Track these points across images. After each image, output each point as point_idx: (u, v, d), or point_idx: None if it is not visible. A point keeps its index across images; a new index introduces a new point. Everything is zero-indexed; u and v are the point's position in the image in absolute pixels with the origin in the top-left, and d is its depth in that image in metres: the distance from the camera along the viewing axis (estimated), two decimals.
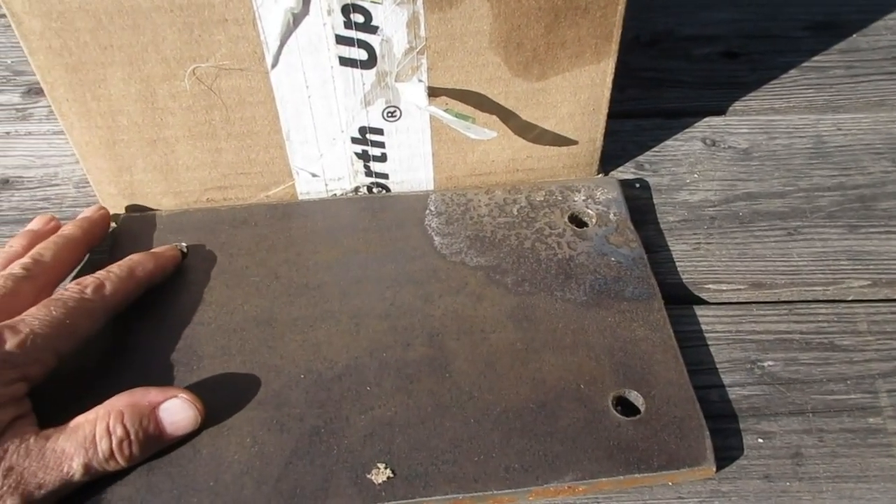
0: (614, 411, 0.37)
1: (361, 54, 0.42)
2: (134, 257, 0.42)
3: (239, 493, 0.35)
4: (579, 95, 0.46)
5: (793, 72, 0.60)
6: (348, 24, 0.40)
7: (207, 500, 0.34)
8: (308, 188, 0.48)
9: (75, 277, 0.44)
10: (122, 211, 0.48)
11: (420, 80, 0.43)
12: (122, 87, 0.42)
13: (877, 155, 0.52)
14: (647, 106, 0.58)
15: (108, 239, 0.47)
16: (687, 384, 0.38)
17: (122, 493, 0.34)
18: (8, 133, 0.57)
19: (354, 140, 0.46)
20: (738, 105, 0.58)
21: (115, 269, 0.40)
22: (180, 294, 0.43)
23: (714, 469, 0.35)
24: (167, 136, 0.44)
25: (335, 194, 0.49)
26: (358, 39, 0.41)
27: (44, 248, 0.41)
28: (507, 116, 0.46)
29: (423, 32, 0.41)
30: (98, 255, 0.47)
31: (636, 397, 0.38)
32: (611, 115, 0.57)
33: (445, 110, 0.43)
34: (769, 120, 0.56)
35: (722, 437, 0.37)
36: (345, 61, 0.42)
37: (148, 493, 0.34)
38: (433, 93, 0.44)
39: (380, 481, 0.35)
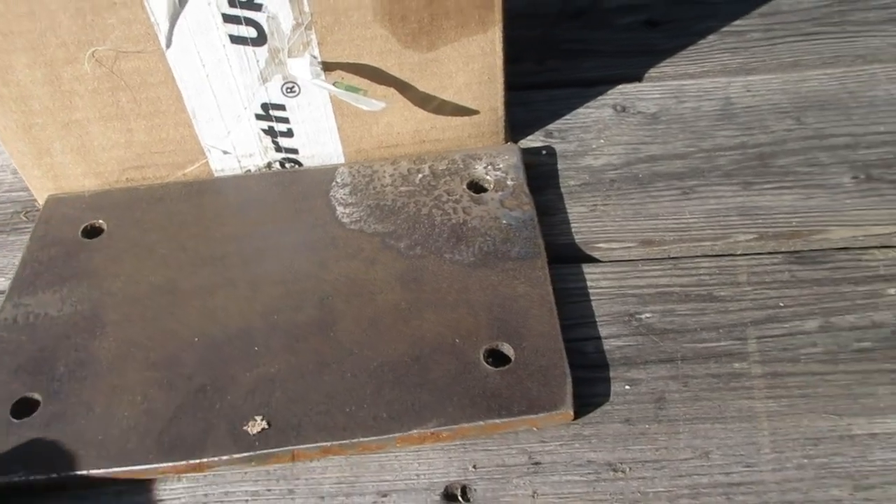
0: (484, 363, 0.39)
1: (251, 32, 0.44)
2: None
3: (124, 446, 0.37)
4: (472, 65, 0.47)
5: (711, 37, 0.61)
6: (233, 3, 0.42)
7: (94, 452, 0.37)
8: (222, 165, 0.51)
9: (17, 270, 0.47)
10: (48, 192, 0.51)
11: (313, 56, 0.45)
12: (28, 72, 0.44)
13: (782, 114, 0.53)
14: (565, 76, 0.59)
15: (38, 219, 0.50)
16: (557, 336, 0.40)
17: (17, 449, 0.37)
18: None
19: (259, 117, 0.48)
20: (653, 72, 0.58)
21: None
22: (94, 268, 0.46)
23: (572, 413, 0.37)
24: (79, 119, 0.47)
25: (249, 171, 0.51)
26: (245, 17, 0.43)
27: None
28: (404, 88, 0.48)
29: (307, 8, 0.43)
30: (25, 236, 0.50)
31: (508, 349, 0.39)
32: (528, 87, 0.58)
33: (335, 84, 0.45)
34: (681, 84, 0.57)
35: (590, 385, 0.39)
36: (235, 39, 0.44)
37: (43, 448, 0.37)
38: (328, 67, 0.46)
39: (254, 432, 0.37)
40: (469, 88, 0.49)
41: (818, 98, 0.54)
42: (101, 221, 0.48)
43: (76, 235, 0.48)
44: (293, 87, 0.47)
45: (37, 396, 0.39)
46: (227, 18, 0.43)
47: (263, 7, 0.43)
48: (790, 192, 0.48)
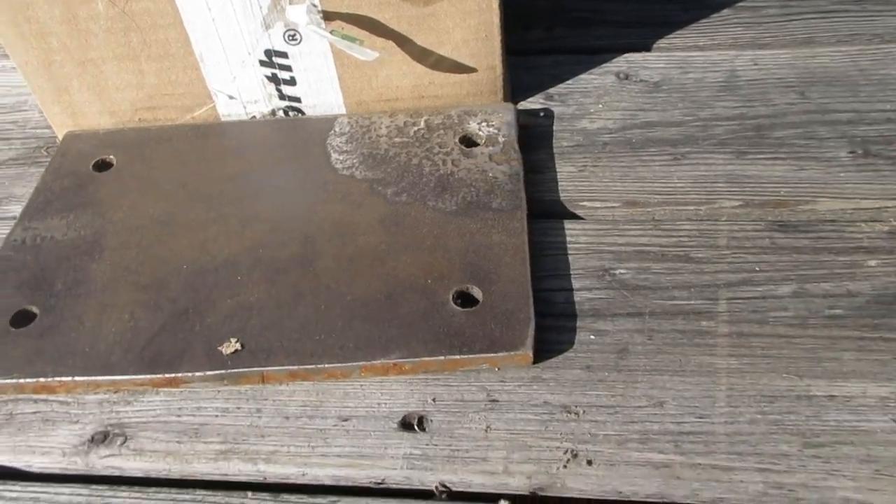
0: (453, 304, 0.40)
1: None
2: None
3: (108, 358, 0.39)
4: (468, 21, 0.48)
5: (726, 11, 0.60)
6: None
7: (81, 362, 0.39)
8: (228, 110, 0.53)
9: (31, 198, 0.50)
10: (67, 129, 0.54)
11: (313, 4, 0.47)
12: (46, 8, 0.47)
13: (786, 88, 0.53)
14: (572, 44, 0.59)
15: (55, 153, 0.52)
16: (526, 283, 0.40)
17: (15, 354, 0.40)
18: None
19: (263, 63, 0.50)
20: (662, 42, 0.58)
21: None
22: (100, 198, 0.48)
23: (531, 355, 0.38)
24: (94, 58, 0.49)
25: (254, 117, 0.53)
26: None
27: None
28: (402, 41, 0.49)
29: None
30: (41, 168, 0.53)
31: (476, 292, 0.40)
32: (534, 52, 0.59)
33: (331, 32, 0.46)
34: (688, 56, 0.57)
35: (556, 332, 0.40)
36: None
37: (36, 354, 0.40)
38: (327, 17, 0.47)
39: (228, 352, 0.39)
40: (466, 45, 0.50)
41: (826, 74, 0.53)
42: (111, 157, 0.51)
43: (88, 169, 0.50)
44: (294, 34, 0.48)
45: (35, 309, 0.42)
46: None
47: None
48: (783, 163, 0.47)
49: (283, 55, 0.49)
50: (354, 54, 0.46)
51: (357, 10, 0.47)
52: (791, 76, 0.54)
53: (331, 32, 0.46)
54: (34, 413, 0.39)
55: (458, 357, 0.38)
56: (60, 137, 0.55)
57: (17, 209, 0.51)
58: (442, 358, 0.38)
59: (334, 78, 0.51)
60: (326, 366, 0.38)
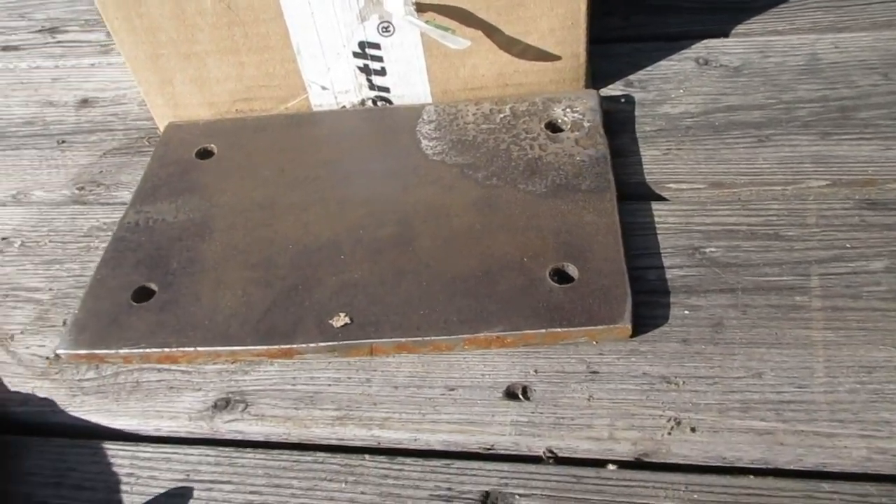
0: (550, 280, 0.42)
1: None
2: None
3: (226, 330, 0.42)
4: (556, 10, 0.50)
5: None
6: None
7: (201, 334, 0.42)
8: (320, 101, 0.55)
9: (140, 184, 0.53)
10: (169, 120, 0.57)
11: None
12: (158, 5, 0.50)
13: (869, 70, 0.53)
14: (650, 31, 0.60)
15: (158, 142, 0.56)
16: (620, 260, 0.42)
17: (139, 327, 0.43)
18: (92, 64, 0.68)
19: (356, 55, 0.52)
20: (740, 28, 0.59)
21: None
22: (205, 183, 0.51)
23: (629, 327, 0.39)
24: (198, 51, 0.52)
25: (344, 106, 0.55)
26: None
27: None
28: (490, 31, 0.51)
29: None
30: (146, 157, 0.56)
31: (572, 269, 0.42)
32: (612, 40, 0.60)
33: (426, 21, 0.48)
34: (767, 40, 0.57)
35: (650, 308, 0.41)
36: None
37: (158, 326, 0.43)
38: (420, 8, 0.49)
39: (338, 325, 0.41)
40: (553, 34, 0.51)
41: None
42: (212, 145, 0.54)
43: (191, 157, 0.53)
44: (388, 26, 0.50)
45: (153, 286, 0.45)
46: None
47: None
48: (868, 144, 0.48)
49: (376, 46, 0.52)
50: (447, 43, 0.48)
51: (449, 0, 0.49)
52: (873, 58, 0.54)
53: (424, 22, 0.48)
54: (159, 381, 0.42)
55: (559, 330, 0.39)
56: (161, 128, 0.58)
57: (125, 195, 0.54)
58: (543, 331, 0.39)
59: (423, 68, 0.53)
60: (432, 338, 0.40)
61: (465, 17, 0.50)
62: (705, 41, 0.58)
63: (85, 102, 0.63)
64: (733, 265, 0.43)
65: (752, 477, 0.34)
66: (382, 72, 0.53)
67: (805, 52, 0.56)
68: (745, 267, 0.42)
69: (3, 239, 0.52)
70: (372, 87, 0.54)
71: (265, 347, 0.41)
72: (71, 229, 0.52)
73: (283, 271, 0.44)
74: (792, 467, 0.35)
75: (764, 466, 0.35)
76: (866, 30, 0.57)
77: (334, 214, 0.47)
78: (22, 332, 0.46)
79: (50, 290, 0.48)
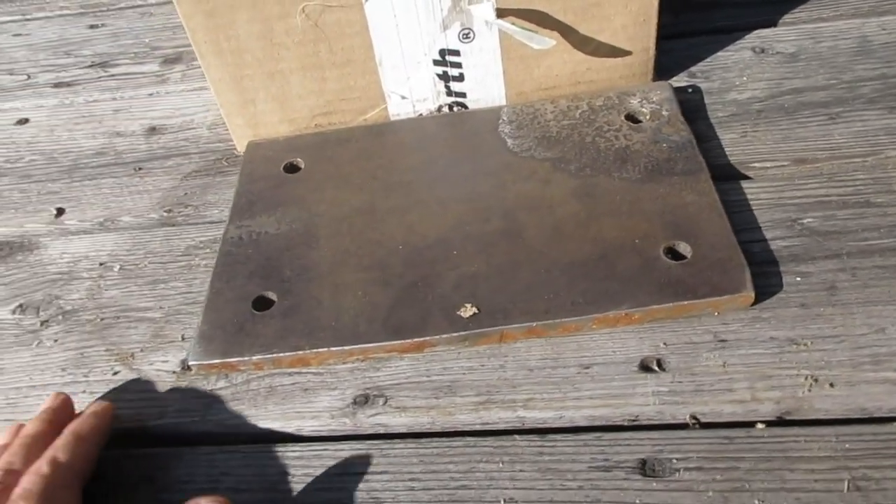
0: (665, 258, 0.43)
1: None
2: (72, 424, 0.40)
3: (355, 329, 0.43)
4: (630, 7, 0.52)
5: None
6: None
7: (331, 334, 0.43)
8: (398, 110, 0.57)
9: (234, 201, 0.55)
10: (248, 140, 0.58)
11: (489, 1, 0.51)
12: (247, 27, 0.51)
13: None
14: (700, 27, 0.63)
15: (243, 160, 0.57)
16: (730, 234, 0.44)
17: (266, 332, 0.44)
18: (151, 94, 0.69)
19: (436, 62, 0.54)
20: (787, 18, 0.62)
21: (61, 440, 0.39)
22: (300, 195, 0.52)
23: (753, 295, 0.41)
24: (283, 69, 0.54)
25: (421, 114, 0.57)
26: None
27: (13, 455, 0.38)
28: (566, 32, 0.53)
29: None
30: (229, 177, 0.57)
31: (684, 247, 0.44)
32: (666, 37, 0.62)
33: (511, 24, 0.50)
34: (816, 27, 0.60)
35: (763, 278, 0.43)
36: None
37: (286, 331, 0.44)
38: (500, 14, 0.51)
39: (467, 315, 0.42)
40: (625, 30, 0.53)
41: None
42: (298, 159, 0.55)
43: (279, 171, 0.54)
44: (469, 33, 0.52)
45: (271, 295, 0.46)
46: None
47: None
48: None
49: (456, 53, 0.54)
50: (532, 44, 0.50)
51: (529, 4, 0.51)
52: None
53: (511, 24, 0.50)
54: (292, 384, 0.43)
55: (685, 303, 0.41)
56: (239, 147, 0.59)
57: (215, 213, 0.55)
58: (670, 305, 0.41)
59: (500, 72, 0.55)
60: (563, 320, 0.41)
61: (542, 19, 0.52)
62: (756, 31, 0.61)
63: (153, 130, 0.64)
64: (833, 233, 0.45)
65: (895, 424, 0.36)
66: (461, 77, 0.55)
67: (854, 35, 0.58)
68: (845, 233, 0.44)
69: (101, 265, 0.52)
70: (449, 93, 0.56)
71: (398, 342, 0.42)
72: (168, 250, 0.53)
73: (398, 270, 0.46)
74: None
75: None
76: None
77: (437, 214, 0.49)
78: (142, 350, 0.46)
79: (160, 308, 0.49)
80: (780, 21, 0.62)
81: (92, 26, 0.81)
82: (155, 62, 0.73)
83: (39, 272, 0.53)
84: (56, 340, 0.48)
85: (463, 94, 0.56)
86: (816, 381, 0.38)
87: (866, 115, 0.52)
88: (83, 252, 0.54)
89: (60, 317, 0.49)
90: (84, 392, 0.44)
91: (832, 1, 0.62)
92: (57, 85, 0.73)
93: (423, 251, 0.47)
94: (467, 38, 0.53)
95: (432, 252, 0.46)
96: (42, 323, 0.49)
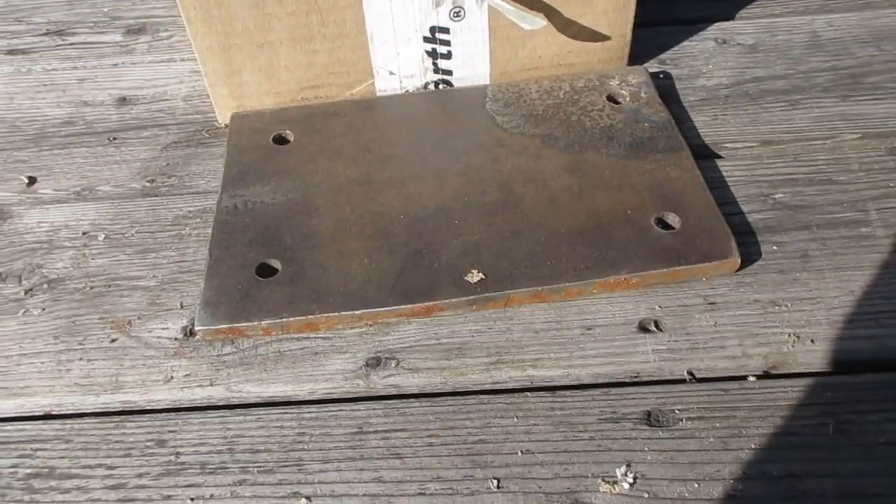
0: (656, 227, 0.46)
1: None
2: None
3: (365, 294, 0.44)
4: None
5: None
6: None
7: (341, 299, 0.44)
8: (385, 85, 0.58)
9: (224, 171, 0.54)
10: (231, 111, 0.57)
11: None
12: None
13: (864, 44, 0.61)
14: (665, 16, 0.67)
15: (229, 131, 0.56)
16: (714, 207, 0.47)
17: (273, 298, 0.44)
18: (115, 64, 0.67)
19: (426, 39, 0.55)
20: (743, 12, 0.66)
21: None
22: (293, 166, 0.52)
23: (739, 260, 0.44)
24: (272, 40, 0.54)
25: (407, 90, 0.58)
26: None
27: None
28: (552, 14, 0.55)
29: None
30: (212, 148, 0.56)
31: (673, 218, 0.47)
32: (636, 25, 0.66)
33: (503, 2, 0.52)
34: (771, 22, 0.65)
35: (744, 247, 0.46)
36: None
37: (294, 297, 0.44)
38: None
39: (475, 281, 0.44)
40: (606, 15, 0.56)
41: (893, 31, 0.62)
42: (287, 132, 0.55)
43: (268, 142, 0.54)
44: (460, 11, 0.54)
45: (274, 262, 0.46)
46: None
47: None
48: (883, 103, 0.56)
49: (446, 31, 0.55)
50: (524, 24, 0.52)
51: None
52: (864, 34, 0.62)
53: (503, 2, 0.52)
54: (301, 349, 0.43)
55: (679, 268, 0.44)
56: (221, 119, 0.58)
57: (201, 183, 0.54)
58: (665, 270, 0.44)
59: (486, 51, 0.56)
60: (566, 285, 0.44)
61: (530, 2, 0.54)
62: (717, 24, 0.65)
63: (124, 101, 0.62)
64: (802, 207, 0.49)
65: (870, 374, 0.40)
66: (448, 55, 0.56)
67: (806, 30, 0.63)
68: (812, 207, 0.49)
69: (84, 234, 0.51)
70: (437, 70, 0.57)
71: (408, 307, 0.43)
72: (155, 219, 0.52)
73: (402, 238, 0.47)
74: None
75: (876, 366, 0.41)
76: (850, 11, 0.65)
77: (434, 186, 0.50)
78: (139, 318, 0.45)
79: (154, 277, 0.48)
80: (738, 15, 0.66)
81: None
82: (117, 32, 0.71)
83: (16, 241, 0.51)
84: (43, 309, 0.46)
85: (449, 72, 0.58)
86: (798, 338, 0.42)
87: (823, 102, 0.56)
88: (62, 221, 0.52)
89: (45, 285, 0.47)
90: (81, 360, 0.43)
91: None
92: (10, 52, 0.69)
93: (424, 220, 0.48)
94: (458, 16, 0.54)
95: (434, 221, 0.48)
96: (26, 292, 0.47)
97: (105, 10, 0.74)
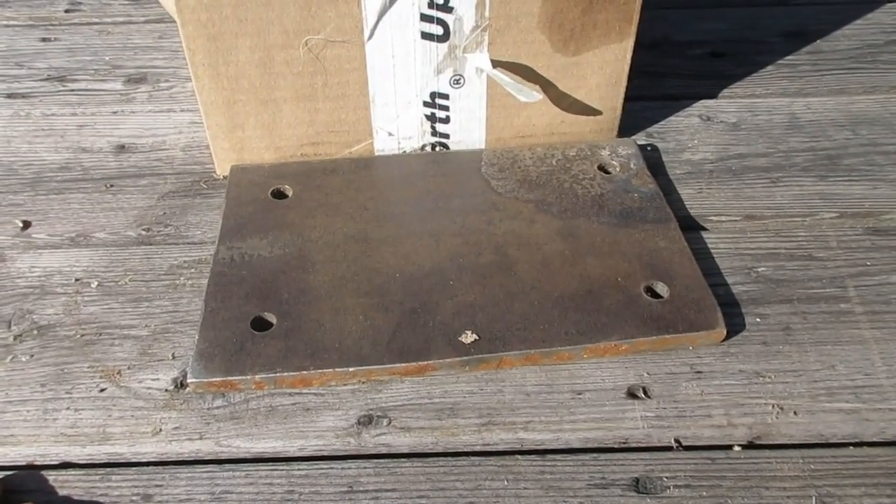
0: (646, 296, 0.47)
1: (438, 30, 0.53)
2: None
3: (359, 351, 0.44)
4: (605, 69, 0.57)
5: (769, 67, 0.73)
6: (431, 4, 0.52)
7: (336, 356, 0.44)
8: (384, 146, 0.59)
9: (222, 223, 0.54)
10: (231, 164, 0.58)
11: (484, 52, 0.54)
12: (248, 53, 0.52)
13: (840, 127, 0.65)
14: (652, 92, 0.70)
15: (229, 184, 0.57)
16: (701, 278, 0.49)
17: (268, 352, 0.44)
18: (115, 112, 0.68)
19: (426, 104, 0.57)
20: (726, 91, 0.70)
21: None
22: (291, 221, 0.53)
23: (725, 331, 0.46)
24: (277, 98, 0.55)
25: (405, 151, 0.60)
26: (437, 17, 0.52)
27: None
28: (547, 86, 0.58)
29: (487, 13, 0.53)
30: (210, 199, 0.57)
31: (662, 287, 0.48)
32: (626, 99, 0.69)
33: (502, 74, 0.54)
34: (752, 102, 0.68)
35: (729, 318, 0.48)
36: (425, 35, 0.53)
37: (289, 351, 0.44)
38: (491, 65, 0.55)
39: (469, 342, 0.45)
40: (598, 89, 0.59)
41: (866, 116, 0.66)
42: (286, 186, 0.56)
43: (267, 196, 0.55)
44: (460, 79, 0.56)
45: (270, 316, 0.46)
46: (423, 17, 0.52)
47: (454, 10, 0.52)
48: (859, 184, 0.58)
49: (445, 97, 0.57)
50: (520, 97, 0.54)
51: (517, 59, 0.55)
52: (840, 118, 0.66)
53: (503, 75, 0.54)
54: (293, 404, 0.43)
55: (667, 336, 0.45)
56: (219, 171, 0.59)
57: (197, 234, 0.55)
58: (654, 338, 0.45)
59: (483, 117, 0.59)
60: (558, 349, 0.45)
61: (528, 74, 0.57)
62: (702, 101, 0.68)
63: (122, 148, 0.63)
64: (784, 281, 0.51)
65: (851, 448, 0.41)
66: (446, 120, 0.58)
67: (785, 111, 0.67)
68: (794, 282, 0.50)
69: (77, 280, 0.51)
70: (434, 133, 0.59)
71: (402, 365, 0.44)
72: (150, 268, 0.52)
73: (398, 297, 0.47)
74: (877, 438, 0.42)
75: (856, 440, 0.42)
76: (826, 95, 0.69)
77: (430, 246, 0.51)
78: (129, 368, 0.45)
79: (146, 326, 0.48)
80: (720, 94, 0.69)
81: (44, 39, 0.79)
82: (117, 81, 0.72)
83: (8, 285, 0.50)
84: (32, 356, 0.46)
85: (446, 136, 0.59)
86: (782, 409, 0.43)
87: (802, 181, 0.59)
88: (55, 266, 0.52)
89: (35, 331, 0.47)
90: (68, 409, 0.43)
91: (763, 81, 0.71)
92: (10, 96, 0.70)
93: (420, 280, 0.49)
94: (458, 83, 0.56)
95: (429, 281, 0.49)
96: (15, 337, 0.47)
97: (106, 58, 0.75)
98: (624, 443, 0.42)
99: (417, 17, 0.52)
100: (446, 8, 0.52)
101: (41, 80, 0.72)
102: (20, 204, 0.57)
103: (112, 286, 0.50)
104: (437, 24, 0.53)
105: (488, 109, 0.58)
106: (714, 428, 0.42)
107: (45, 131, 0.66)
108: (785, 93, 0.69)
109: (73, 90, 0.71)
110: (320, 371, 0.43)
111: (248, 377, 0.43)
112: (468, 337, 0.45)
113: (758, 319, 0.48)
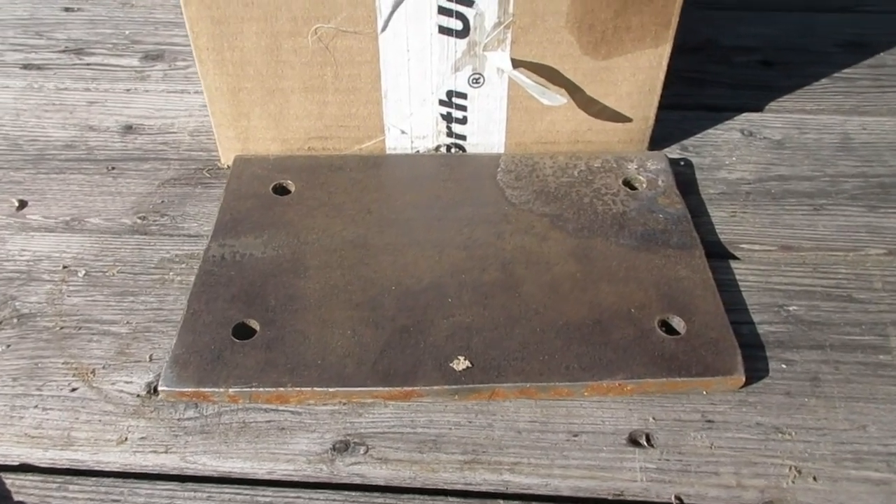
0: (659, 331, 0.43)
1: (457, 25, 0.49)
2: None
3: (342, 370, 0.41)
4: (638, 76, 0.53)
5: (823, 80, 0.67)
6: None
7: (316, 374, 0.41)
8: (396, 144, 0.56)
9: (218, 217, 0.52)
10: (235, 153, 0.56)
11: (503, 51, 0.50)
12: (254, 39, 0.49)
13: None
14: (690, 101, 0.65)
15: (230, 175, 0.54)
16: (723, 314, 0.44)
17: (246, 363, 0.41)
18: (128, 90, 0.66)
19: (441, 102, 0.53)
20: (773, 104, 0.64)
21: None
22: (289, 220, 0.50)
23: (743, 378, 0.41)
24: (284, 87, 0.52)
25: (418, 151, 0.56)
26: (456, 11, 0.48)
27: None
28: (574, 91, 0.53)
29: (511, 9, 0.49)
30: (211, 189, 0.55)
31: (678, 322, 0.44)
32: (658, 106, 0.64)
33: (524, 76, 0.50)
34: (801, 118, 0.62)
35: (750, 361, 0.43)
36: (443, 30, 0.49)
37: (268, 365, 0.41)
38: (514, 64, 0.51)
39: (460, 369, 0.41)
40: (630, 97, 0.54)
41: None
42: (289, 181, 0.53)
43: (268, 191, 0.52)
44: (479, 78, 0.52)
45: (253, 323, 0.44)
46: (441, 10, 0.48)
47: (475, 4, 0.48)
48: None
49: (463, 96, 0.53)
50: (543, 99, 0.50)
51: (542, 60, 0.51)
52: None
53: (525, 76, 0.50)
54: (268, 422, 0.41)
55: (678, 379, 0.41)
56: (224, 160, 0.57)
57: (193, 226, 0.52)
58: (663, 380, 0.41)
59: (503, 119, 0.55)
60: (556, 384, 0.41)
61: (553, 76, 0.52)
62: (745, 114, 0.63)
63: (129, 129, 0.61)
64: (817, 323, 0.46)
65: None
66: (463, 120, 0.54)
67: (838, 131, 0.61)
68: (828, 325, 0.46)
69: (65, 268, 0.49)
70: (450, 134, 0.55)
71: (386, 389, 0.41)
72: (140, 260, 0.50)
73: (390, 312, 0.44)
74: None
75: None
76: (885, 115, 0.63)
77: (432, 258, 0.48)
78: (104, 367, 0.43)
79: (127, 323, 0.45)
80: (767, 107, 0.64)
81: (67, 9, 0.77)
82: (134, 56, 0.70)
83: None
84: (8, 346, 0.44)
85: (463, 137, 0.56)
86: (800, 472, 0.39)
87: (848, 210, 0.54)
88: (45, 251, 0.50)
89: (15, 320, 0.45)
90: (36, 407, 0.41)
91: (815, 95, 0.65)
92: (26, 66, 0.69)
93: (417, 294, 0.45)
94: (477, 82, 0.52)
95: (426, 297, 0.45)
96: None
97: (126, 32, 0.73)
98: (619, 495, 0.38)
99: (435, 9, 0.48)
100: (467, 1, 0.48)
101: (59, 51, 0.71)
102: (20, 182, 0.56)
103: (99, 276, 0.48)
104: (457, 18, 0.49)
105: (509, 111, 0.54)
106: (721, 488, 0.38)
107: (56, 106, 0.64)
108: (839, 110, 0.64)
109: (88, 64, 0.69)
110: (298, 389, 0.40)
111: (222, 390, 0.40)
112: (460, 363, 0.41)
113: (783, 366, 0.43)
